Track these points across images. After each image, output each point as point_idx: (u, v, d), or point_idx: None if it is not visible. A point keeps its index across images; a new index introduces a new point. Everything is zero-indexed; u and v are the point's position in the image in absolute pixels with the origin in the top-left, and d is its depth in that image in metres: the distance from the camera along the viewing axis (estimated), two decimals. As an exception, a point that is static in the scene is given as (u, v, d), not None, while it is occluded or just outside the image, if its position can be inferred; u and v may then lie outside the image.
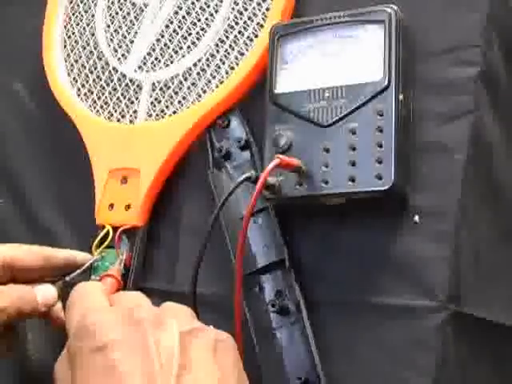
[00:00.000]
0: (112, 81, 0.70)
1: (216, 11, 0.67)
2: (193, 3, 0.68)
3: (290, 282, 0.57)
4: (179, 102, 0.66)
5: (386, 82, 0.55)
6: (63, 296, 0.58)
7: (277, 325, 0.57)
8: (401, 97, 0.55)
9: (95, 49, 0.72)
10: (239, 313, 0.54)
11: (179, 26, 0.68)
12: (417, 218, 0.55)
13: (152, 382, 0.41)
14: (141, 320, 0.44)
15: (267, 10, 0.64)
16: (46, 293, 0.58)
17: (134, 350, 0.43)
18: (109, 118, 0.69)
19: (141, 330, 0.44)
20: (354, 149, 0.55)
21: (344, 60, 0.57)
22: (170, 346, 0.43)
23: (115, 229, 0.63)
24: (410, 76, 0.57)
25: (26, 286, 0.57)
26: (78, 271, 0.61)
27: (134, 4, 0.71)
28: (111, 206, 0.65)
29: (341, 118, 0.56)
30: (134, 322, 0.44)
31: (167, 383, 0.42)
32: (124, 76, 0.70)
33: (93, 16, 0.73)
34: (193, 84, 0.66)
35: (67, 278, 0.60)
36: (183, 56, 0.67)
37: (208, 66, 0.66)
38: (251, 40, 0.64)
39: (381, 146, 0.54)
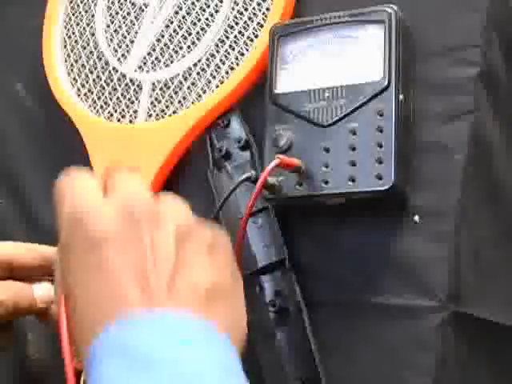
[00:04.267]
0: (112, 81, 0.70)
1: (216, 11, 0.67)
2: (193, 3, 0.68)
3: (289, 282, 0.57)
4: (179, 102, 0.66)
5: (386, 82, 0.55)
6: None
7: (277, 325, 0.57)
8: (401, 97, 0.55)
9: (95, 49, 0.72)
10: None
11: (179, 26, 0.68)
12: (417, 217, 0.55)
13: (145, 281, 0.41)
14: (137, 217, 0.43)
15: (267, 10, 0.64)
16: (43, 290, 0.57)
17: (128, 249, 0.42)
18: (109, 118, 0.69)
19: (136, 227, 0.42)
20: (353, 149, 0.55)
21: (344, 60, 0.57)
22: (166, 244, 0.42)
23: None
24: (410, 76, 0.57)
25: (24, 283, 0.57)
26: None
27: (134, 4, 0.71)
28: (111, 205, 0.65)
29: (341, 118, 0.56)
30: (129, 218, 0.43)
31: (160, 282, 0.41)
32: (124, 76, 0.70)
33: (93, 16, 0.73)
34: (193, 84, 0.66)
35: None
36: (183, 56, 0.67)
37: (208, 66, 0.66)
38: (251, 40, 0.64)
39: (381, 146, 0.54)
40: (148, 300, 0.40)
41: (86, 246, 0.42)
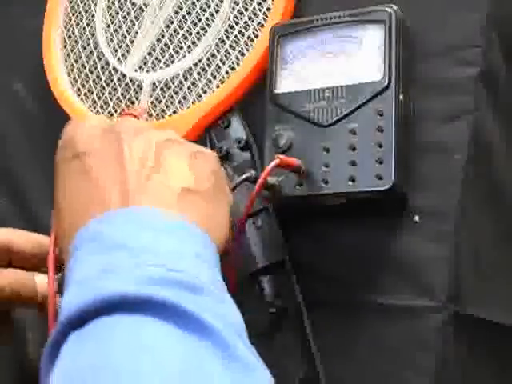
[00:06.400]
0: (112, 81, 0.70)
1: (216, 11, 0.67)
2: (193, 3, 0.68)
3: (289, 283, 0.57)
4: (179, 101, 0.66)
5: (386, 82, 0.55)
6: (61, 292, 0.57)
7: (277, 325, 0.57)
8: (401, 97, 0.55)
9: (95, 49, 0.72)
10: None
11: (180, 26, 0.68)
12: (417, 217, 0.55)
13: (124, 185, 0.44)
14: (118, 130, 0.47)
15: (268, 10, 0.64)
16: (45, 281, 0.57)
17: (108, 156, 0.45)
18: (109, 117, 0.69)
19: (117, 138, 0.46)
20: (354, 149, 0.55)
21: (344, 60, 0.57)
22: (144, 151, 0.45)
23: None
24: (410, 76, 0.57)
25: (27, 272, 0.57)
26: None
27: (134, 4, 0.71)
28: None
29: (341, 118, 0.56)
30: (111, 130, 0.47)
31: (137, 184, 0.44)
32: (124, 76, 0.70)
33: (93, 16, 0.73)
34: (193, 84, 0.66)
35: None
36: (184, 56, 0.67)
37: (208, 65, 0.66)
38: (251, 40, 0.64)
39: (381, 146, 0.54)
40: (125, 200, 0.43)
41: (71, 156, 0.46)
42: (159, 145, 0.46)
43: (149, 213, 0.43)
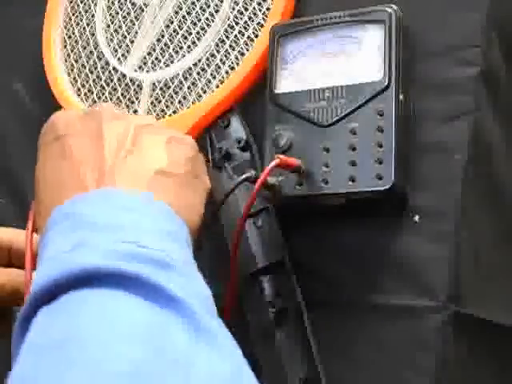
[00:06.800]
0: (112, 81, 0.70)
1: (216, 11, 0.67)
2: (193, 3, 0.68)
3: (289, 283, 0.57)
4: (179, 101, 0.66)
5: (386, 82, 0.55)
6: None
7: (277, 325, 0.57)
8: (401, 97, 0.55)
9: (95, 49, 0.72)
10: (229, 314, 0.54)
11: (179, 26, 0.68)
12: (417, 217, 0.55)
13: (101, 164, 0.45)
14: (98, 114, 0.48)
15: (267, 9, 0.64)
16: None
17: (87, 138, 0.47)
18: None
19: (97, 121, 0.47)
20: (354, 149, 0.55)
21: (344, 60, 0.57)
22: (122, 133, 0.47)
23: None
24: (410, 76, 0.57)
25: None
26: None
27: (133, 4, 0.71)
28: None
29: (341, 118, 0.56)
30: (91, 114, 0.48)
31: (114, 165, 0.45)
32: (124, 76, 0.70)
33: (93, 16, 0.73)
34: (193, 84, 0.66)
35: None
36: (183, 56, 0.67)
37: (208, 65, 0.66)
38: (251, 40, 0.64)
39: (381, 146, 0.54)
40: (101, 181, 0.44)
41: (51, 138, 0.48)
42: (137, 128, 0.48)
43: (122, 193, 0.44)
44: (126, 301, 0.38)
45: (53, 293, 0.38)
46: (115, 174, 0.45)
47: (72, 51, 0.74)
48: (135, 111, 0.68)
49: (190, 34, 0.67)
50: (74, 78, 0.72)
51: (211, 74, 0.65)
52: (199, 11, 0.67)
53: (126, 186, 0.45)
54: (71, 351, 0.35)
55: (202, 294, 0.41)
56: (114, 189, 0.44)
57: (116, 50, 0.71)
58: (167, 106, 0.67)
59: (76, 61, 0.73)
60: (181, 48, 0.67)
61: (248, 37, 0.64)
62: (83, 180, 0.45)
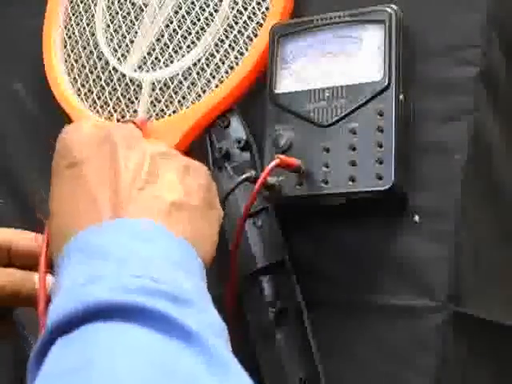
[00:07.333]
0: (112, 80, 0.70)
1: (216, 11, 0.67)
2: (192, 3, 0.68)
3: (289, 283, 0.57)
4: (179, 101, 0.66)
5: (386, 82, 0.55)
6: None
7: (277, 325, 0.57)
8: (401, 97, 0.55)
9: (95, 49, 0.72)
10: (231, 313, 0.54)
11: (179, 26, 0.68)
12: (417, 217, 0.55)
13: (116, 194, 0.45)
14: (115, 141, 0.47)
15: (267, 9, 0.64)
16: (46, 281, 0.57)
17: (103, 167, 0.46)
18: (109, 117, 0.69)
19: (113, 149, 0.47)
20: (354, 149, 0.55)
21: (344, 60, 0.57)
22: (139, 163, 0.47)
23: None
24: (410, 76, 0.57)
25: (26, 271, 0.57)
26: None
27: (133, 4, 0.71)
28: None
29: (341, 118, 0.56)
30: (107, 142, 0.47)
31: (130, 195, 0.45)
32: (124, 76, 0.70)
33: (93, 16, 0.73)
34: (193, 84, 0.66)
35: None
36: (183, 55, 0.67)
37: (208, 65, 0.66)
38: (251, 40, 0.64)
39: (381, 146, 0.54)
40: (117, 211, 0.44)
41: (66, 164, 0.47)
42: (153, 157, 0.47)
43: (137, 224, 0.44)
44: (139, 333, 0.37)
45: (69, 325, 0.38)
46: (131, 204, 0.45)
47: (72, 51, 0.73)
48: (135, 111, 0.68)
49: (190, 33, 0.67)
50: (74, 78, 0.72)
51: (211, 74, 0.65)
52: (199, 11, 0.67)
53: (142, 217, 0.44)
54: (82, 379, 0.35)
55: (215, 326, 0.41)
56: (129, 220, 0.44)
57: (116, 50, 0.71)
58: (167, 106, 0.67)
59: (76, 61, 0.73)
60: (180, 48, 0.67)
61: (247, 36, 0.64)
62: (98, 210, 0.44)
